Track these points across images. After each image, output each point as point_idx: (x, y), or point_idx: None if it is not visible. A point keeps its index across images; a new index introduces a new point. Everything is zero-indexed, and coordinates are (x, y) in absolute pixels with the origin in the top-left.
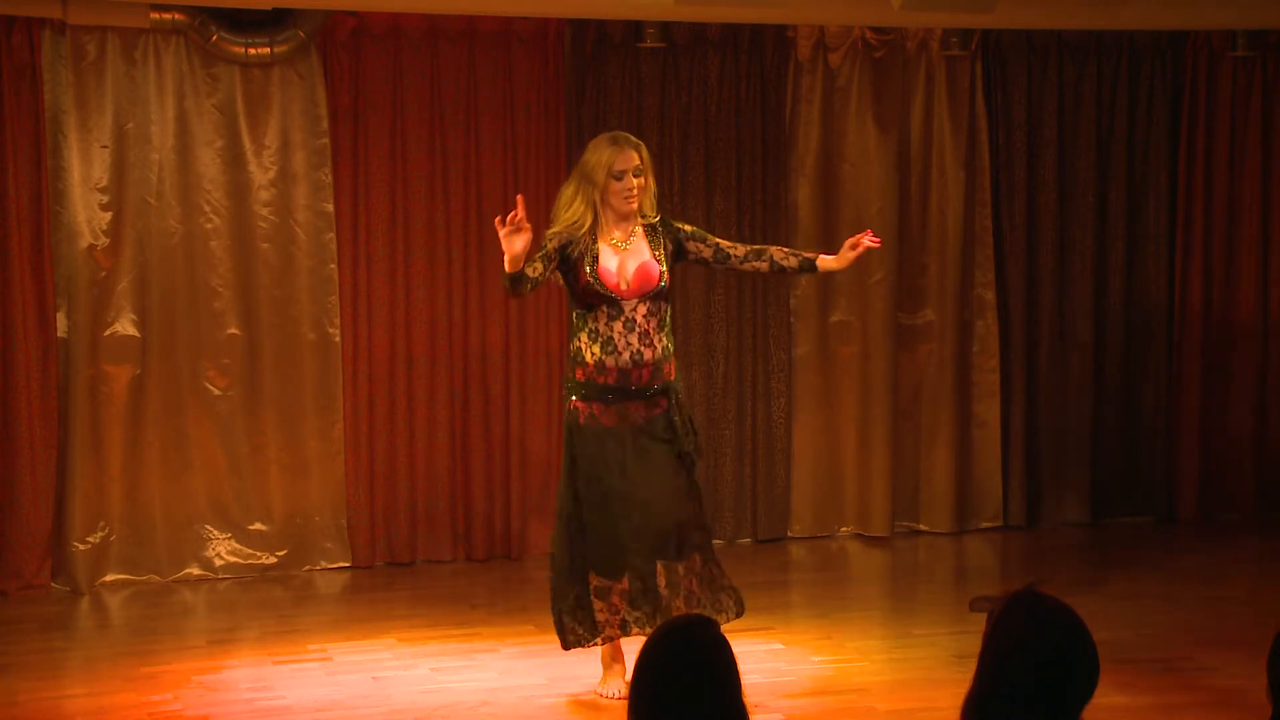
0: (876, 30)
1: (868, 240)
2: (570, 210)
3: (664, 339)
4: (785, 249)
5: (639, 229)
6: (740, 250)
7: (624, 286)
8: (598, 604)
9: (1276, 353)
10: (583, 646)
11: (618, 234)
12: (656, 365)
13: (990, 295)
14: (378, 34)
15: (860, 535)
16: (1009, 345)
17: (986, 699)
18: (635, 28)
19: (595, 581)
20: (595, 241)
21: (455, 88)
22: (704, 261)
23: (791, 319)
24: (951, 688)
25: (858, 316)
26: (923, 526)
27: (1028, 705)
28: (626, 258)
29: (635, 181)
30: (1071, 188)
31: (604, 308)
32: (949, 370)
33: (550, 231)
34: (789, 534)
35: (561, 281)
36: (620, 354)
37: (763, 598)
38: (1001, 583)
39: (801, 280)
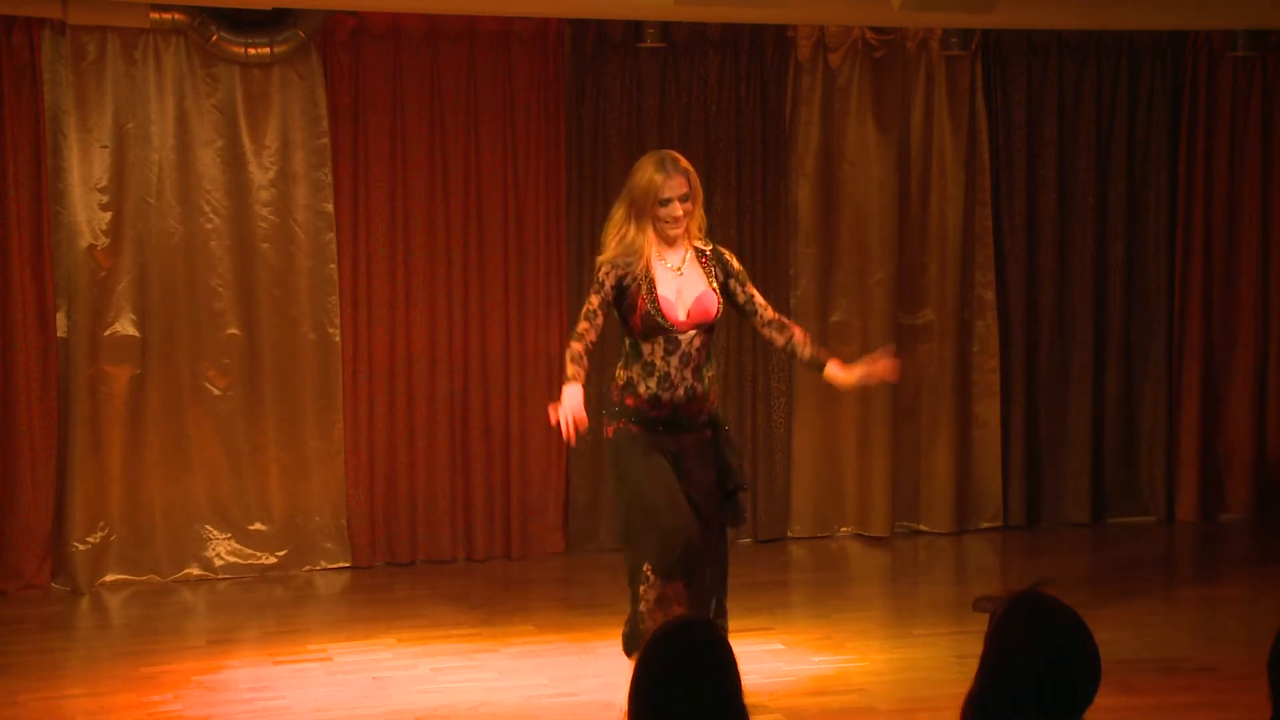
0: (876, 30)
1: (887, 372)
2: (624, 240)
3: (712, 368)
4: (807, 337)
5: (690, 253)
6: (768, 315)
7: (682, 317)
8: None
9: (1276, 353)
10: None
11: (670, 257)
12: (705, 397)
13: (990, 295)
14: (378, 34)
15: (860, 535)
16: (1009, 345)
17: (987, 699)
18: (635, 28)
19: (655, 587)
20: (650, 269)
21: (455, 88)
22: (733, 304)
23: (791, 319)
24: (951, 688)
25: (858, 316)
26: (923, 526)
27: (1028, 706)
28: (684, 286)
29: (682, 208)
30: (1071, 188)
31: (659, 339)
32: (949, 370)
33: (603, 259)
34: (789, 534)
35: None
36: (676, 389)
37: (763, 598)
38: (1001, 583)
39: (801, 280)
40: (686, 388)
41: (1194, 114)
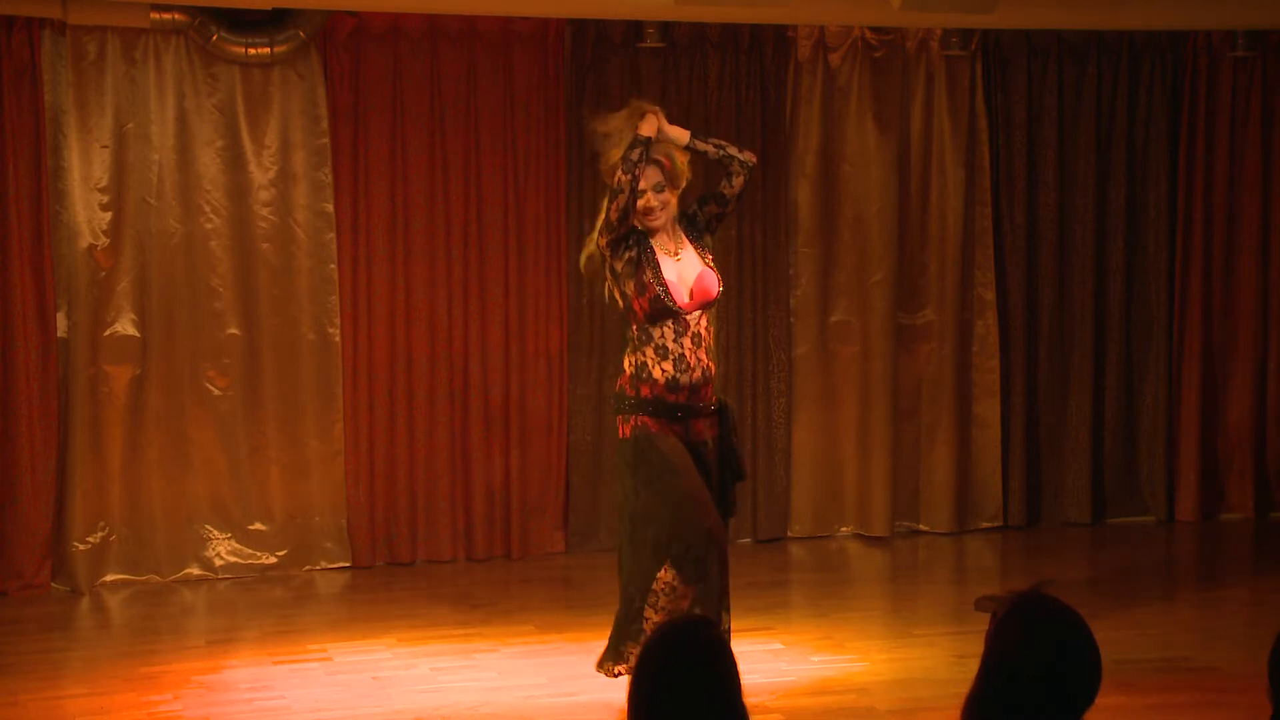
0: (876, 30)
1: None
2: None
3: (714, 348)
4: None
5: (682, 234)
6: (726, 183)
7: (687, 299)
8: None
9: (1276, 352)
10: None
11: (667, 243)
12: (715, 379)
13: (990, 295)
14: (378, 34)
15: (860, 535)
16: (1009, 345)
17: (988, 699)
18: (635, 28)
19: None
20: (651, 247)
21: (455, 88)
22: (723, 207)
23: (791, 319)
24: (951, 688)
25: (858, 316)
26: (923, 526)
27: (1029, 706)
28: (683, 269)
29: (657, 199)
30: (1071, 188)
31: (669, 322)
32: (949, 370)
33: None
34: (789, 534)
35: (612, 284)
36: (693, 371)
37: (763, 598)
38: (1001, 583)
39: (801, 280)
40: (702, 369)
41: (1194, 114)
